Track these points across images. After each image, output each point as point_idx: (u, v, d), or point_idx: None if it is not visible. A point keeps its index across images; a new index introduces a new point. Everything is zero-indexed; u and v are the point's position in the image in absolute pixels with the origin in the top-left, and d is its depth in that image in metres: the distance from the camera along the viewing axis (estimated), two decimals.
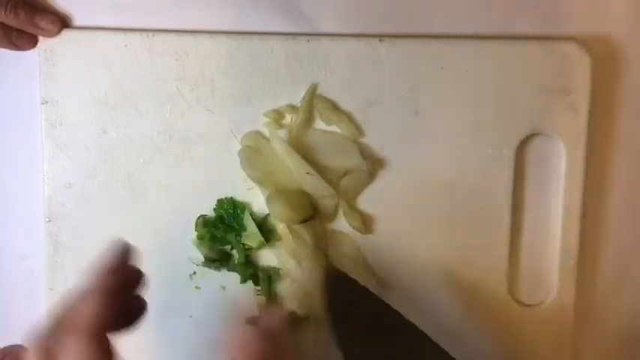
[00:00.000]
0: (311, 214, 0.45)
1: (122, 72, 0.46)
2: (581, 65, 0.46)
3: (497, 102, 0.46)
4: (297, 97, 0.46)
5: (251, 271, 0.47)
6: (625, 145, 0.48)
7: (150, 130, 0.46)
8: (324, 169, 0.46)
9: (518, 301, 0.48)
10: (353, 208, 0.47)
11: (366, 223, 0.47)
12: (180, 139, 0.46)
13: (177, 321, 0.47)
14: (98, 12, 0.47)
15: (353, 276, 0.44)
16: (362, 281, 0.44)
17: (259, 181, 0.46)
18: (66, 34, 0.46)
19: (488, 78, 0.46)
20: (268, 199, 0.45)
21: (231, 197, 0.46)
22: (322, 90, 0.46)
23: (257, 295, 0.47)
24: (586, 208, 0.47)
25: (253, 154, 0.46)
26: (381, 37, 0.46)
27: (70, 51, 0.46)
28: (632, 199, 0.49)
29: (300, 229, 0.45)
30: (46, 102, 0.46)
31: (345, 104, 0.46)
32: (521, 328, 0.48)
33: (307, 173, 0.45)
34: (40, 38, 0.46)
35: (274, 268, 0.47)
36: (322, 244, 0.46)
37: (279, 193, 0.45)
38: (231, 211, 0.46)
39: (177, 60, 0.46)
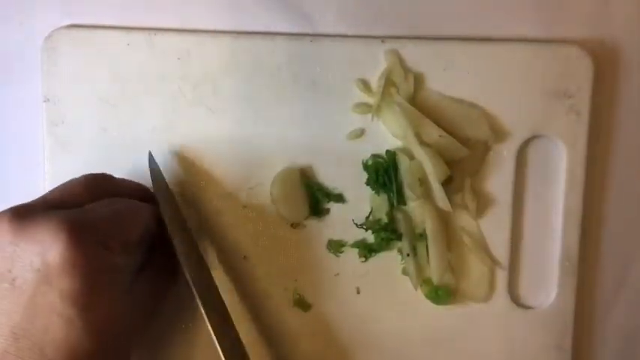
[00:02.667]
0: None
1: (124, 70, 0.46)
2: (582, 68, 0.46)
3: (498, 104, 0.46)
4: (297, 96, 0.46)
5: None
6: (626, 148, 0.49)
7: (151, 129, 0.46)
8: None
9: (518, 303, 0.48)
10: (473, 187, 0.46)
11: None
12: (182, 138, 0.46)
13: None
14: (100, 10, 0.47)
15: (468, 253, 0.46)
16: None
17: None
18: (68, 32, 0.46)
19: (489, 80, 0.46)
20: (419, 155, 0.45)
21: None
22: (324, 90, 0.46)
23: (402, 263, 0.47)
24: (587, 210, 0.47)
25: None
26: (383, 38, 0.46)
27: (71, 49, 0.46)
28: (632, 201, 0.49)
29: (441, 190, 0.45)
30: (48, 100, 0.46)
31: (347, 105, 0.46)
32: (521, 331, 0.48)
33: (440, 136, 0.45)
34: (42, 36, 0.46)
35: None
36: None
37: (427, 148, 0.44)
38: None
39: (179, 59, 0.46)
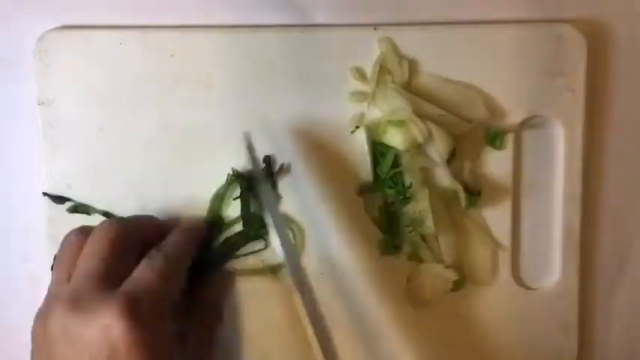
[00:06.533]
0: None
1: (118, 70, 0.46)
2: (577, 47, 0.46)
3: (494, 86, 0.46)
4: (293, 88, 0.46)
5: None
6: (622, 125, 0.49)
7: (147, 127, 0.46)
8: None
9: (522, 285, 0.48)
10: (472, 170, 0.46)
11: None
12: (179, 135, 0.46)
13: None
14: (92, 10, 0.46)
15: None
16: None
17: None
18: (59, 33, 0.46)
19: (483, 63, 0.46)
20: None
21: None
22: (318, 80, 0.46)
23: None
24: (586, 188, 0.48)
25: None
26: (375, 25, 0.46)
27: (64, 50, 0.45)
28: (630, 177, 0.49)
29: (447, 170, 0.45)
30: (42, 103, 0.46)
31: (343, 94, 0.46)
32: (526, 312, 0.48)
33: (440, 115, 0.44)
34: (34, 38, 0.45)
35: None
36: None
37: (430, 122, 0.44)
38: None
39: (172, 56, 0.46)
